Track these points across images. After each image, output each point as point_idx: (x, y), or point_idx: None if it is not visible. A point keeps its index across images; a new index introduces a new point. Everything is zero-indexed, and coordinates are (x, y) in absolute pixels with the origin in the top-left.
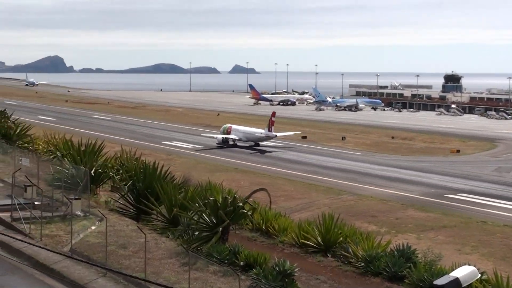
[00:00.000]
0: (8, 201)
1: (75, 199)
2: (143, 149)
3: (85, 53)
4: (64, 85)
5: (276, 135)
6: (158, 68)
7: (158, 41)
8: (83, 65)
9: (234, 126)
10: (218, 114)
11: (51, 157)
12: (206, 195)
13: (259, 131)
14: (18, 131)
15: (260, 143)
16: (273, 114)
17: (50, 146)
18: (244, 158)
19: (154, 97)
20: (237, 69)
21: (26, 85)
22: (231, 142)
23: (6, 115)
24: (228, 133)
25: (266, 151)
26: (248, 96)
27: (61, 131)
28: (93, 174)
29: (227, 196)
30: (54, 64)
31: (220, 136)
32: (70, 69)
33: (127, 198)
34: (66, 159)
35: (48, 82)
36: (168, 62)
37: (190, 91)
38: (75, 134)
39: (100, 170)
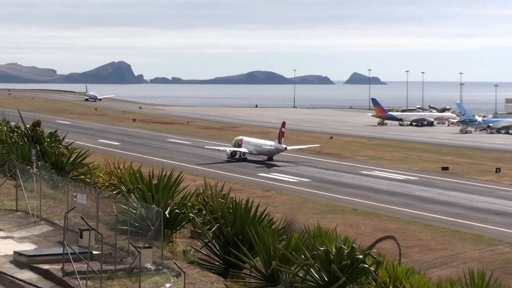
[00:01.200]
0: (59, 250)
1: (145, 247)
2: (233, 182)
3: (158, 58)
4: (131, 99)
5: (286, 148)
6: (253, 78)
7: (252, 42)
8: (155, 73)
9: (245, 138)
10: (331, 137)
11: (114, 192)
12: (315, 244)
13: (268, 143)
14: (72, 159)
15: (273, 157)
16: (283, 124)
17: (113, 178)
18: (365, 196)
19: (247, 115)
20: (356, 79)
21: (86, 99)
22: (237, 156)
23: (57, 138)
24: (239, 146)
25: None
26: (371, 114)
27: (127, 159)
28: (168, 216)
29: (343, 246)
30: (118, 73)
31: (229, 149)
32: (139, 79)
33: (212, 247)
34: (133, 196)
35: (113, 95)
36: (266, 69)
37: (294, 107)
38: (145, 163)
39: (177, 210)
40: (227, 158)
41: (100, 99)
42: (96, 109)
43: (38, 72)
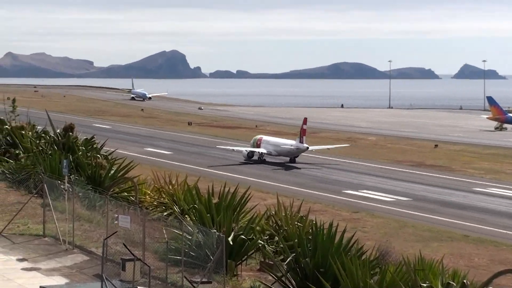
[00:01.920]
0: (97, 285)
1: (203, 282)
2: (313, 202)
3: (220, 47)
4: (186, 98)
5: (307, 148)
6: (337, 71)
7: (338, 27)
8: (216, 65)
9: (264, 138)
10: (436, 145)
11: (165, 214)
12: (416, 280)
13: (289, 143)
14: (113, 171)
15: (295, 158)
16: (305, 120)
17: (164, 196)
18: (479, 219)
19: (331, 118)
20: (467, 72)
21: (133, 98)
22: (256, 157)
23: (94, 145)
24: (258, 146)
25: None
26: (486, 117)
27: (181, 172)
28: (231, 243)
29: (451, 282)
30: (171, 65)
31: (245, 150)
32: (196, 72)
33: (287, 282)
34: (188, 218)
35: (166, 93)
36: (354, 60)
37: (390, 107)
38: (203, 177)
39: (243, 237)
40: (244, 159)
41: (150, 97)
42: (142, 110)
43: (71, 64)
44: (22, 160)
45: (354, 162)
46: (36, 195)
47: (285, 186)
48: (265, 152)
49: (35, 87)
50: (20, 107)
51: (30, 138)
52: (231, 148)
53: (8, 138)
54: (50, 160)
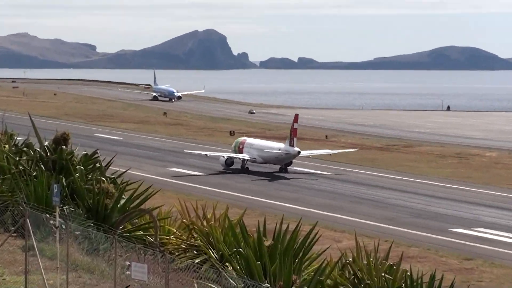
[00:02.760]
0: None
1: None
2: (406, 244)
3: (275, 25)
4: (228, 98)
5: (299, 152)
6: (441, 58)
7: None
8: (269, 51)
9: (248, 140)
10: None
11: (197, 261)
12: None
13: (276, 147)
14: (123, 201)
15: (287, 166)
16: (296, 118)
17: (195, 236)
18: None
19: (433, 125)
20: None
21: (155, 98)
22: (242, 165)
23: (97, 164)
24: (240, 150)
25: None
26: None
27: (219, 202)
28: None
29: None
30: (205, 50)
31: (224, 156)
32: (242, 60)
33: None
34: (230, 267)
35: (202, 91)
36: (464, 44)
37: None
38: (250, 209)
39: None
40: (223, 168)
41: (180, 97)
42: (165, 113)
43: (66, 49)
44: None
45: (465, 188)
46: (15, 234)
47: (366, 221)
48: (248, 158)
49: (13, 81)
50: None
51: (7, 153)
52: (202, 153)
53: None
54: (34, 185)
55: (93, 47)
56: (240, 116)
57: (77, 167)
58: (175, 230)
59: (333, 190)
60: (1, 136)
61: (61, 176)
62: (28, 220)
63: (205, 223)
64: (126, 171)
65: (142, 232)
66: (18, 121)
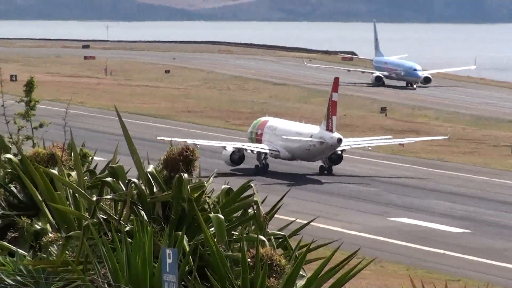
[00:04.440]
0: None
1: None
2: None
3: None
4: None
5: (340, 140)
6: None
7: None
8: None
9: (271, 121)
10: None
11: None
12: None
13: (306, 132)
14: (302, 285)
15: (331, 162)
16: (335, 84)
17: None
18: None
19: None
20: None
21: (378, 79)
22: (261, 161)
23: (252, 210)
24: (259, 138)
25: None
26: None
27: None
28: None
29: None
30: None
31: (229, 148)
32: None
33: None
34: None
35: (473, 66)
36: None
37: None
38: None
39: None
40: (228, 165)
41: (428, 78)
42: (384, 110)
43: None
44: (50, 248)
45: None
46: None
47: None
48: (267, 151)
49: (86, 46)
50: (46, 102)
51: (75, 189)
52: (191, 142)
53: (13, 186)
54: (128, 250)
55: None
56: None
57: (212, 214)
58: None
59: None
60: (63, 156)
61: (180, 232)
62: None
63: None
64: (307, 224)
65: None
66: (94, 125)
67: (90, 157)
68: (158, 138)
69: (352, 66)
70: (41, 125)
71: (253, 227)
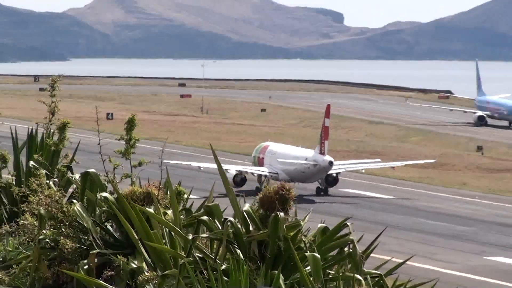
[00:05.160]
0: None
1: None
2: None
3: None
4: None
5: (331, 163)
6: None
7: None
8: None
9: (272, 146)
10: None
11: None
12: None
13: (301, 155)
14: None
15: (326, 184)
16: (327, 110)
17: None
18: None
19: None
20: None
21: (480, 119)
22: (262, 182)
23: (349, 248)
24: (260, 161)
25: None
26: None
27: None
28: None
29: None
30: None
31: (231, 171)
32: None
33: None
34: None
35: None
36: None
37: None
38: None
39: None
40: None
41: None
42: (480, 148)
43: (282, 18)
44: (146, 287)
45: None
46: None
47: None
48: (267, 173)
49: (182, 85)
50: (143, 141)
51: (171, 227)
52: (192, 164)
53: (109, 225)
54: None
55: (339, 16)
56: None
57: (308, 253)
58: None
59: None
60: (159, 194)
61: (275, 271)
62: None
63: None
64: (403, 262)
65: None
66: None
67: (186, 196)
68: (166, 161)
69: (449, 104)
70: (140, 164)
71: (349, 266)
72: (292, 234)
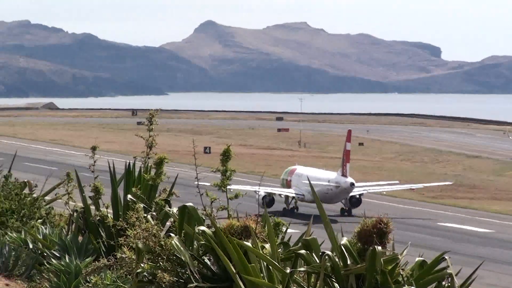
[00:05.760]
0: None
1: None
2: None
3: None
4: None
5: (352, 184)
6: None
7: None
8: None
9: (299, 169)
10: None
11: None
12: None
13: (324, 177)
14: None
15: (349, 205)
16: (349, 135)
17: None
18: None
19: None
20: None
21: None
22: (289, 205)
23: None
24: (288, 184)
25: None
26: None
27: None
28: None
29: None
30: None
31: (262, 192)
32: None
33: None
34: None
35: None
36: None
37: None
38: None
39: None
40: (260, 207)
41: None
42: None
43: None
44: None
45: None
46: None
47: None
48: (294, 195)
49: (279, 118)
50: (240, 174)
51: (269, 261)
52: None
53: (207, 258)
54: None
55: (436, 50)
56: None
57: (405, 287)
58: None
59: None
60: (257, 228)
61: None
62: None
63: None
64: None
65: None
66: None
67: (285, 227)
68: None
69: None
70: (236, 196)
71: None
72: (389, 268)
